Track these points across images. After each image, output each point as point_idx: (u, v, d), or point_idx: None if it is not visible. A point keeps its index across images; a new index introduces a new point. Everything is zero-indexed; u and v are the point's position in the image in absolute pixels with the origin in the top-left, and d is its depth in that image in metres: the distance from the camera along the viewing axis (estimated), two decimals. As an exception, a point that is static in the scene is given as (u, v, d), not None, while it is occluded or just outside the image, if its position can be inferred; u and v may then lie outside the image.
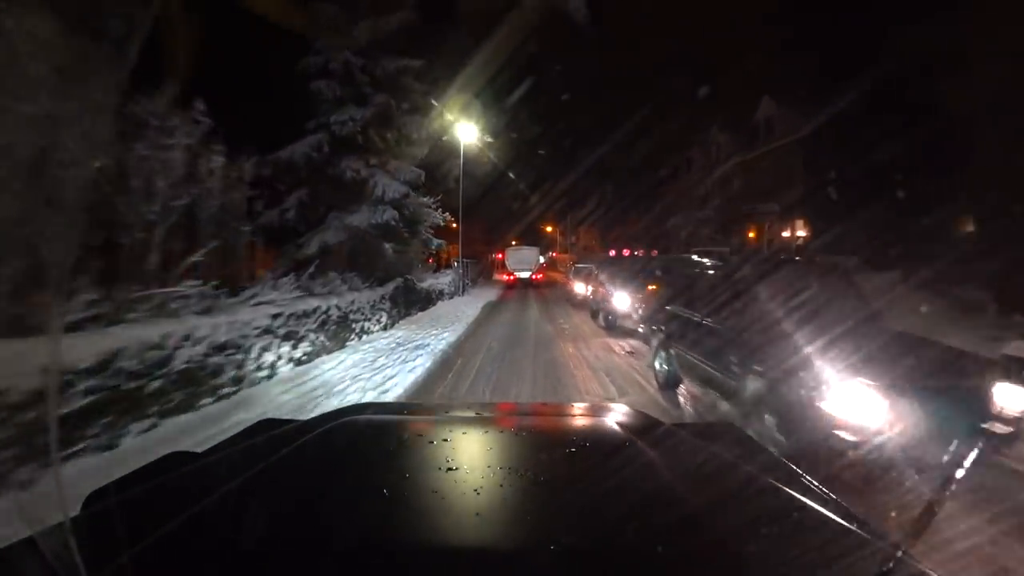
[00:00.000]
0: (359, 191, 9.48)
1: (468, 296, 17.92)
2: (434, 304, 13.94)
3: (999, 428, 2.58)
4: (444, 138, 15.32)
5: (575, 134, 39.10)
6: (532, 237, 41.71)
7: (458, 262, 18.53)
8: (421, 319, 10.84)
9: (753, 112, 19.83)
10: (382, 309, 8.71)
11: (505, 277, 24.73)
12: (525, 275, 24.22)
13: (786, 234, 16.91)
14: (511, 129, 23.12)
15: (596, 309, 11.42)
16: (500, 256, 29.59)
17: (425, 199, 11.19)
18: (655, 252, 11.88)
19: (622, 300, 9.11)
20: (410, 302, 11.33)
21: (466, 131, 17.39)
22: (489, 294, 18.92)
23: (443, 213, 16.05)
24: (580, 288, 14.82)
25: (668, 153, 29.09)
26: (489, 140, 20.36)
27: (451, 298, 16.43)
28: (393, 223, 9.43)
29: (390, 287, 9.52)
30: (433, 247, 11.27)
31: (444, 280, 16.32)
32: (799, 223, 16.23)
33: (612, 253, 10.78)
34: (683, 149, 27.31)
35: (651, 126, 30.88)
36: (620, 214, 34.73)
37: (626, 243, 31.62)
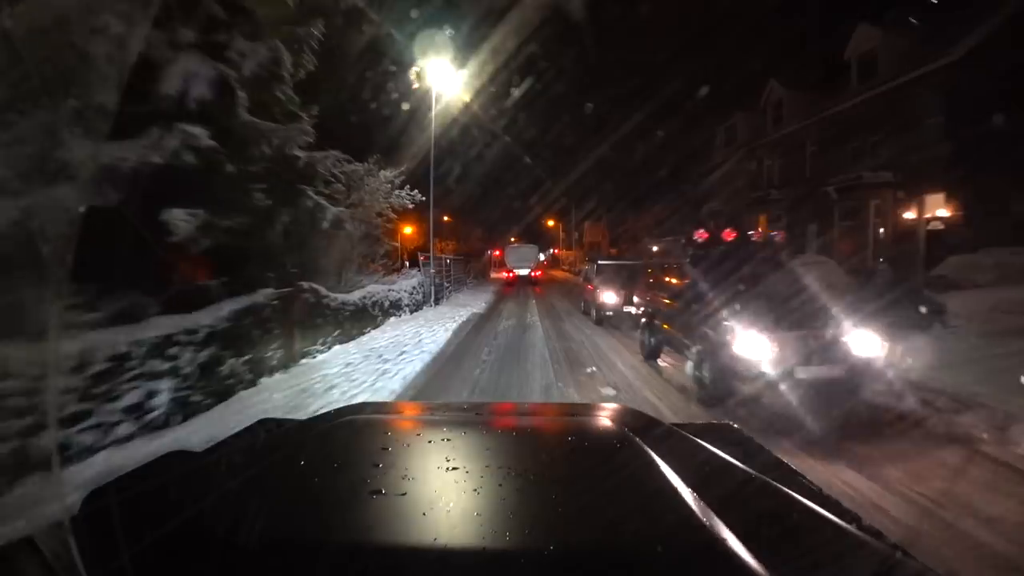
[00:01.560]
0: (139, 89, 4.01)
1: (444, 307, 12.49)
2: (376, 326, 8.60)
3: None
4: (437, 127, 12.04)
5: (583, 121, 34.32)
6: (533, 234, 39.97)
7: (430, 258, 13.05)
8: (320, 368, 5.53)
9: (838, 51, 14.36)
10: (157, 374, 3.43)
11: (504, 274, 24.47)
12: (524, 272, 24.22)
13: (909, 215, 11.55)
14: (513, 123, 21.52)
15: (655, 345, 6.10)
16: (498, 254, 29.51)
17: (307, 126, 5.52)
18: (782, 235, 6.54)
19: (756, 346, 3.83)
20: (310, 331, 6.04)
21: (442, 73, 12.08)
22: (476, 303, 13.57)
23: (412, 190, 10.87)
24: (609, 298, 9.58)
25: (698, 128, 23.65)
26: (487, 130, 18.29)
27: (414, 311, 11.04)
28: (193, 159, 3.85)
29: (224, 310, 4.23)
30: (328, 220, 5.69)
31: (404, 285, 10.96)
32: (932, 199, 10.90)
33: (701, 234, 5.24)
34: (719, 121, 21.86)
35: (678, 96, 25.53)
36: (632, 204, 29.47)
37: (631, 240, 26.68)
